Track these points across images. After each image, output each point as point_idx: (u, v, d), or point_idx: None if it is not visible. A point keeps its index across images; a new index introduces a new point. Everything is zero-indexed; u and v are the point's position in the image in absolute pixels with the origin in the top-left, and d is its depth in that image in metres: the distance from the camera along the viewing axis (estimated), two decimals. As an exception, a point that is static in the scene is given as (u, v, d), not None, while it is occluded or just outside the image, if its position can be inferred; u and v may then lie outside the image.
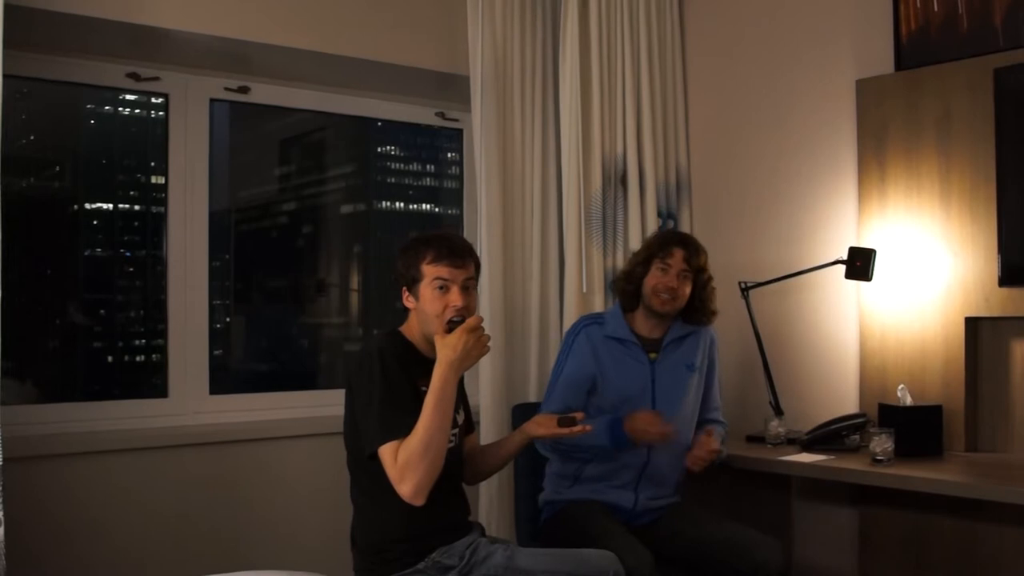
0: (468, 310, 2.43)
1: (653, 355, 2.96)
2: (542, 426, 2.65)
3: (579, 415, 2.62)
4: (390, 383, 2.33)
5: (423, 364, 2.46)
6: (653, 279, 2.92)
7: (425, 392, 2.39)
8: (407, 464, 2.24)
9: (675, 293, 2.90)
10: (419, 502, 2.26)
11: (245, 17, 3.08)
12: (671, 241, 2.97)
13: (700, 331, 3.04)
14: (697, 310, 2.98)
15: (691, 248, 2.95)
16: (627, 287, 3.00)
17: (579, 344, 2.95)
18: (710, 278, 2.99)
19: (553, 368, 3.02)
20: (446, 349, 2.32)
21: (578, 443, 2.79)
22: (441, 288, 2.42)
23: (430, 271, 2.43)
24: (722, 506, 3.24)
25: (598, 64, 3.56)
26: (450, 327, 2.36)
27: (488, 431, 3.29)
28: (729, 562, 2.68)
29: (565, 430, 2.60)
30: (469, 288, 2.46)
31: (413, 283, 2.45)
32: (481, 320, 2.38)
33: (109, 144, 3.37)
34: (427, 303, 2.42)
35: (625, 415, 2.79)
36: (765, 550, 2.65)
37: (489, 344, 2.38)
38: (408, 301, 2.48)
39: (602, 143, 3.58)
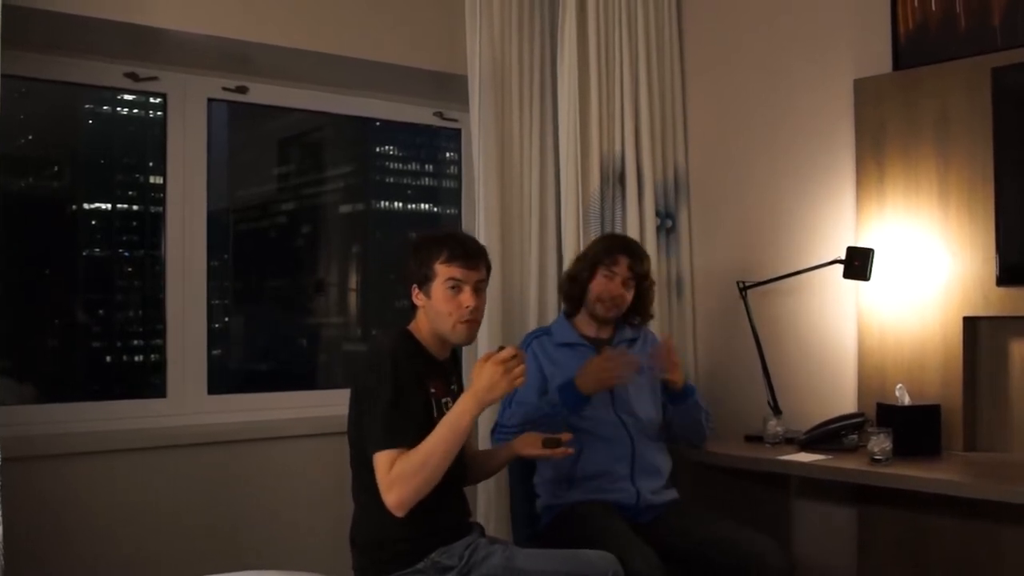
0: (479, 311, 2.45)
1: None
2: (529, 445, 2.66)
3: (564, 437, 2.64)
4: (400, 387, 2.31)
5: (432, 364, 2.47)
6: (598, 286, 2.97)
7: (434, 394, 2.40)
8: (399, 476, 2.23)
9: (619, 300, 2.97)
10: (400, 514, 2.26)
11: (243, 17, 3.08)
12: (616, 248, 2.99)
13: (641, 335, 3.10)
14: (636, 312, 3.06)
15: (636, 256, 2.99)
16: (572, 290, 3.04)
17: (531, 353, 2.94)
18: (652, 283, 3.06)
19: None
20: (477, 379, 2.27)
21: (522, 420, 2.81)
22: (453, 288, 2.42)
23: (443, 270, 2.42)
24: (720, 505, 3.24)
25: (596, 63, 3.55)
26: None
27: (486, 433, 3.29)
28: (734, 564, 2.68)
29: (548, 451, 2.63)
30: (480, 289, 2.47)
31: (425, 281, 2.45)
32: (515, 353, 2.30)
33: (107, 144, 3.37)
34: (439, 302, 2.42)
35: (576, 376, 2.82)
36: (771, 555, 2.66)
37: (523, 377, 2.30)
38: (418, 298, 2.47)
39: (600, 143, 3.58)
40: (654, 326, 3.31)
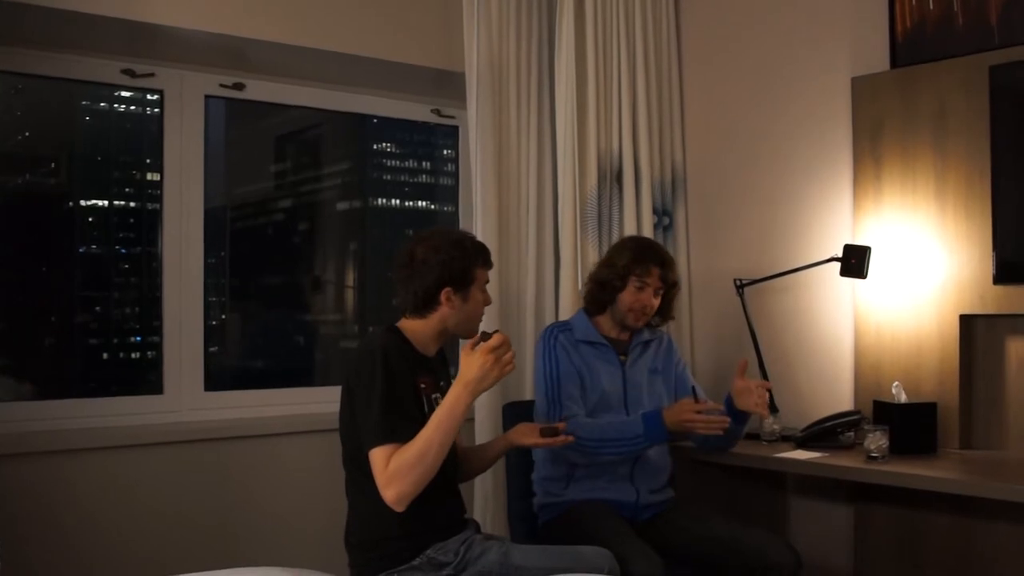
0: None
1: (623, 357, 3.02)
2: (526, 435, 2.69)
3: (561, 425, 2.68)
4: (391, 384, 2.32)
5: (421, 361, 2.48)
6: (630, 296, 2.96)
7: (423, 389, 2.41)
8: (397, 472, 2.23)
9: (649, 310, 2.98)
10: (399, 509, 2.26)
11: (240, 13, 3.08)
12: (649, 259, 2.97)
13: (657, 337, 3.10)
14: (656, 313, 3.05)
15: (667, 265, 3.00)
16: (599, 295, 3.02)
17: (560, 346, 2.96)
18: (675, 283, 3.05)
19: (540, 374, 2.95)
20: (464, 368, 2.29)
21: (600, 437, 2.78)
22: (484, 290, 2.54)
23: (482, 275, 2.53)
24: (717, 503, 3.25)
25: (593, 60, 3.55)
26: (483, 339, 2.33)
27: (483, 429, 3.29)
28: (737, 561, 2.68)
29: (548, 440, 2.64)
30: None
31: (465, 285, 2.48)
32: (503, 340, 2.30)
33: (104, 141, 3.37)
34: (477, 304, 2.51)
35: (663, 408, 2.83)
36: (779, 552, 2.66)
37: (512, 363, 2.31)
38: (449, 300, 2.47)
39: (597, 140, 3.57)
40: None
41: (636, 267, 2.95)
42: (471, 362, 2.28)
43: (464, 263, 2.48)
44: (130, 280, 3.40)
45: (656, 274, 2.96)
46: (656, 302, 2.99)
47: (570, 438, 2.66)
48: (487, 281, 2.55)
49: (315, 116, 3.72)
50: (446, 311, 2.48)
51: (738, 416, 2.92)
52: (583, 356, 2.96)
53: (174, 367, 3.17)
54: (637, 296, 2.95)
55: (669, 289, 3.01)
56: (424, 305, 2.48)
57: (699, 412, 2.76)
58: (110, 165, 3.36)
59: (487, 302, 2.56)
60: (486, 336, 2.32)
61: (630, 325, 3.00)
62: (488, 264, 2.55)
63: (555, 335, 2.99)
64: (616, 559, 2.44)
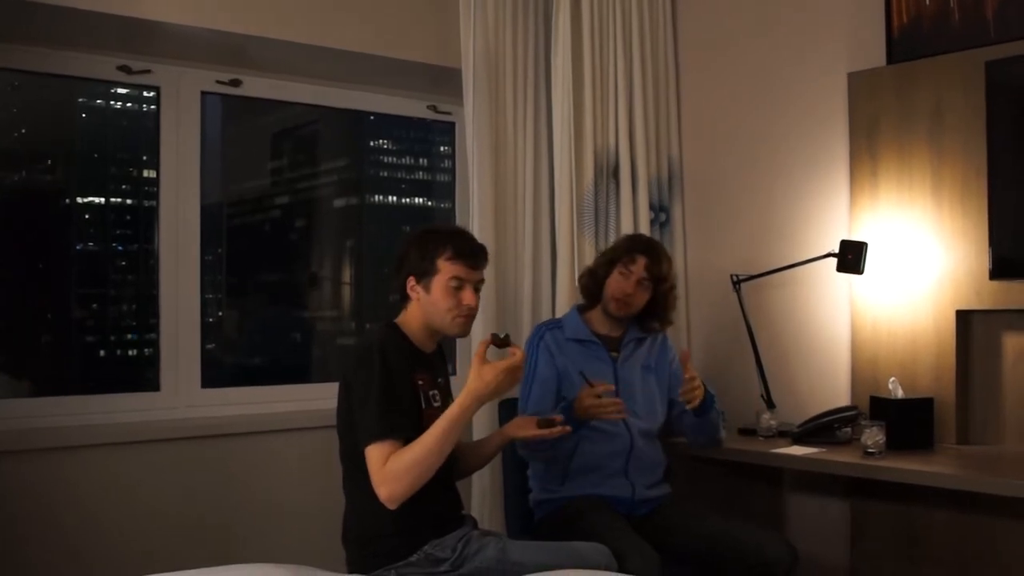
0: (476, 309, 2.48)
1: (614, 354, 3.00)
2: (522, 428, 2.69)
3: (558, 418, 2.67)
4: (389, 381, 2.32)
5: (418, 356, 2.48)
6: (613, 283, 2.96)
7: (421, 385, 2.41)
8: (393, 472, 2.24)
9: (631, 300, 2.95)
10: (391, 507, 2.27)
11: (237, 9, 3.07)
12: (636, 248, 2.99)
13: (652, 334, 3.09)
14: (655, 317, 3.03)
15: (654, 256, 2.97)
16: (590, 285, 3.04)
17: (544, 347, 2.96)
18: (672, 287, 3.02)
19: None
20: (478, 381, 2.29)
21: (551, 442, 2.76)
22: (456, 287, 2.43)
23: (448, 268, 2.43)
24: (714, 499, 3.25)
25: (590, 57, 3.55)
26: (495, 341, 2.33)
27: (480, 425, 3.29)
28: (733, 557, 2.68)
29: (545, 431, 2.64)
30: (479, 289, 2.50)
31: (425, 275, 2.45)
32: (523, 358, 2.34)
33: (101, 138, 3.37)
34: (439, 298, 2.43)
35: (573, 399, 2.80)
36: (775, 547, 2.66)
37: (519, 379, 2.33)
38: (414, 290, 2.47)
39: (594, 136, 3.57)
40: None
41: (623, 254, 2.97)
42: (484, 375, 2.28)
43: (425, 250, 2.44)
44: (127, 277, 3.40)
45: (641, 263, 2.94)
46: (641, 294, 2.95)
47: (567, 428, 2.65)
48: (459, 276, 2.43)
49: (312, 113, 3.72)
50: (415, 303, 2.47)
51: (696, 411, 2.90)
52: (571, 355, 2.95)
53: (171, 364, 3.17)
54: (620, 284, 2.95)
55: (658, 285, 2.97)
56: (403, 297, 2.50)
57: (598, 396, 2.72)
58: (107, 162, 3.36)
59: (466, 302, 2.44)
60: (496, 338, 2.32)
61: (612, 313, 2.98)
62: (459, 258, 2.43)
63: (542, 334, 3.00)
64: (613, 555, 2.44)
